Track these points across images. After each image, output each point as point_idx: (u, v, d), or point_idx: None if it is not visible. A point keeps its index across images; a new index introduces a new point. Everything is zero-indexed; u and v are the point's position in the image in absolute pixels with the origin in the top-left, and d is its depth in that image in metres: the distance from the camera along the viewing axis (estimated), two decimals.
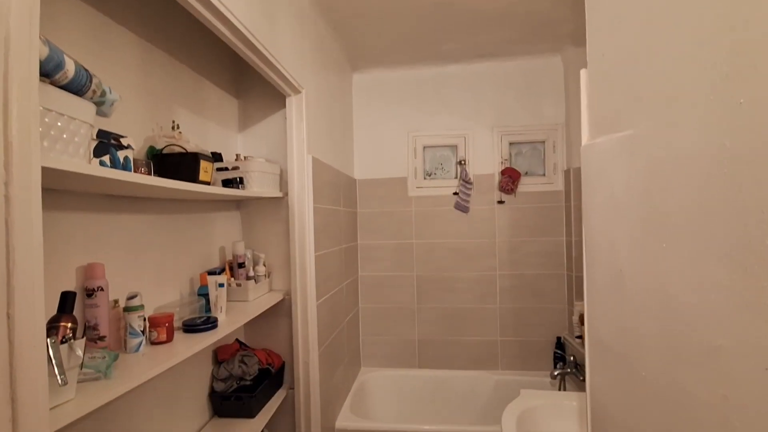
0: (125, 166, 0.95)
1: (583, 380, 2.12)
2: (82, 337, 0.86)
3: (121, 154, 0.94)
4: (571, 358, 2.28)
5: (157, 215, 1.34)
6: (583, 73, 0.89)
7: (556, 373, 2.26)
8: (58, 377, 0.73)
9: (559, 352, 2.49)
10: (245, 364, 1.68)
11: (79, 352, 0.81)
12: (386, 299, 2.72)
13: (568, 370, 2.25)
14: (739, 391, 0.48)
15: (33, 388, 0.58)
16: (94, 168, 0.80)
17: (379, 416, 2.50)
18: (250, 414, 1.59)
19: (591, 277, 0.86)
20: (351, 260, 2.56)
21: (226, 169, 1.57)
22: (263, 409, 1.65)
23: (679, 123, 0.58)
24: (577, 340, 2.29)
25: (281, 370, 1.83)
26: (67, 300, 0.85)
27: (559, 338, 2.52)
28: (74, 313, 0.88)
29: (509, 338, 2.63)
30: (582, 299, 2.38)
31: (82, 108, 0.81)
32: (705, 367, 0.53)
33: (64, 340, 0.79)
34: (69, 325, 0.82)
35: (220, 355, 1.69)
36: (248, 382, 1.66)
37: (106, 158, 0.90)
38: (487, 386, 2.57)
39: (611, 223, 0.76)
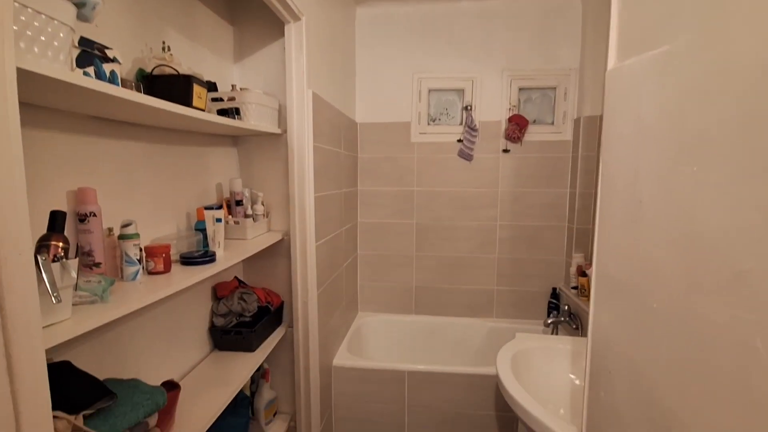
0: (112, 81, 0.88)
1: (576, 328, 2.16)
2: (75, 257, 0.83)
3: (107, 68, 0.87)
4: (566, 308, 2.31)
5: (149, 144, 1.28)
6: None
7: (549, 321, 2.31)
8: (51, 295, 0.71)
9: (554, 301, 2.52)
10: (244, 301, 1.69)
11: (73, 273, 0.79)
12: (385, 246, 2.72)
13: (562, 318, 2.29)
14: (765, 313, 0.45)
15: (22, 296, 0.55)
16: (76, 77, 0.74)
17: (375, 357, 2.58)
18: (250, 348, 1.62)
19: (605, 212, 0.82)
20: (351, 205, 2.53)
21: (221, 99, 1.49)
22: (263, 344, 1.68)
23: (723, 33, 0.52)
24: (573, 291, 2.32)
25: (280, 308, 1.85)
26: (56, 219, 0.81)
27: (554, 289, 2.55)
28: (67, 239, 0.85)
29: (505, 287, 2.66)
30: (581, 251, 2.38)
31: (60, 7, 0.73)
32: (727, 292, 0.51)
33: (56, 258, 0.77)
34: (60, 244, 0.79)
35: (219, 292, 1.70)
36: (247, 319, 1.68)
37: (90, 70, 0.83)
38: (481, 333, 2.63)
39: (636, 151, 0.71)
